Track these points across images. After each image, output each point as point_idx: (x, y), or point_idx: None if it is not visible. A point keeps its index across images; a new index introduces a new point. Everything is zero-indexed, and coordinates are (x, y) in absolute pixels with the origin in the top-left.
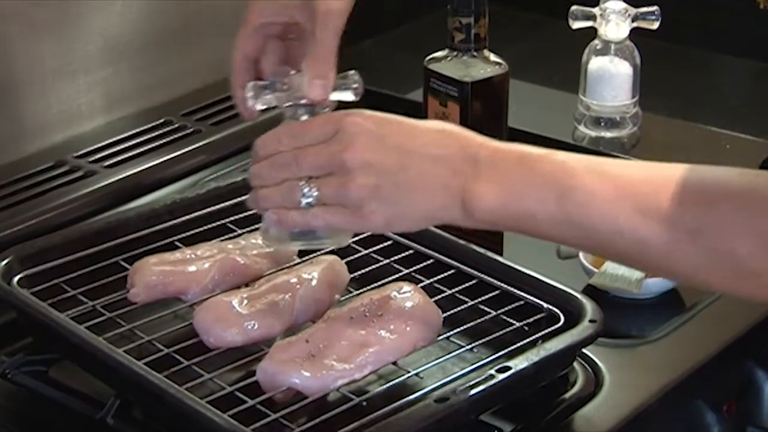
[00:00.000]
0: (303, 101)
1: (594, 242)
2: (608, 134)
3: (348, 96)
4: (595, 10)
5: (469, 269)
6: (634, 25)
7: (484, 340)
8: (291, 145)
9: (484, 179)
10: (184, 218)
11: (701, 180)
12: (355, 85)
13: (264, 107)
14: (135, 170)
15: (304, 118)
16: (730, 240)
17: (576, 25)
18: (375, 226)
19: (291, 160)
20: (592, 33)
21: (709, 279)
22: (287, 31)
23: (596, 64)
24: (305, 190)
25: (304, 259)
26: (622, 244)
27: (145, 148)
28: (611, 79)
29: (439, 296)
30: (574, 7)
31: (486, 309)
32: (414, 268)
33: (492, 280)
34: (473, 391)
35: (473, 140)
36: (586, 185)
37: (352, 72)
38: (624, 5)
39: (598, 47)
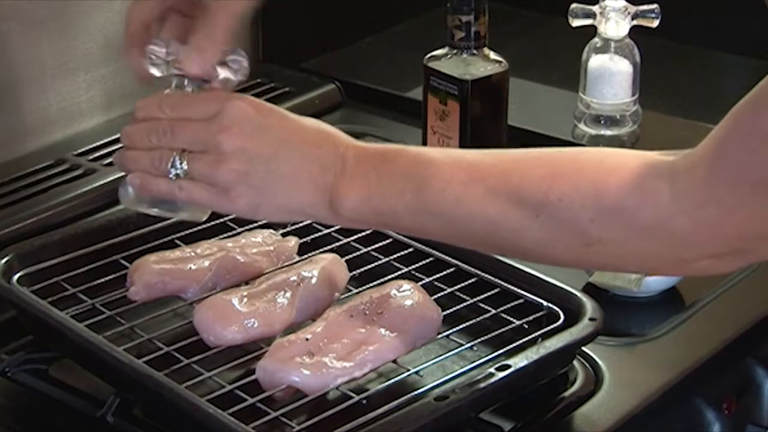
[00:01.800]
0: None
1: (451, 229)
2: (608, 132)
3: (230, 75)
4: (595, 8)
5: (468, 267)
6: (634, 23)
7: (483, 338)
8: (171, 114)
9: (348, 177)
10: None
11: (552, 158)
12: (236, 66)
13: (159, 74)
14: None
15: (189, 90)
16: (572, 210)
17: (576, 23)
18: (239, 210)
19: (167, 129)
20: (591, 31)
21: (557, 253)
22: (191, 7)
23: (596, 62)
24: (176, 161)
25: (304, 257)
26: (475, 228)
27: None
28: (611, 77)
29: (439, 294)
30: (573, 5)
31: (486, 307)
32: (414, 266)
33: (492, 278)
34: (473, 389)
35: (344, 141)
36: (442, 173)
37: (240, 52)
38: (624, 3)
39: (598, 45)
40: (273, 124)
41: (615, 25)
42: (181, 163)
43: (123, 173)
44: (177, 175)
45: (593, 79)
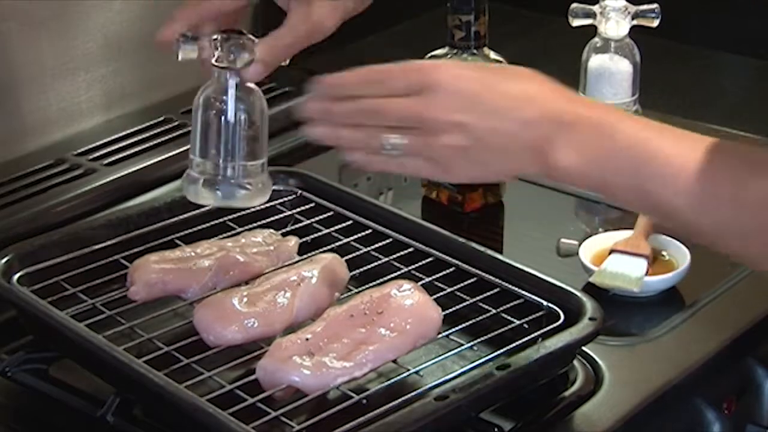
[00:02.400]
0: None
1: (665, 215)
2: None
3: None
4: (595, 8)
5: (469, 267)
6: (634, 22)
7: (484, 338)
8: (373, 92)
9: (564, 144)
10: (183, 216)
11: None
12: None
13: (189, 56)
14: (135, 168)
15: (232, 82)
16: None
17: (576, 22)
18: (456, 179)
19: (374, 109)
20: (592, 31)
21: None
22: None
23: (596, 61)
24: (391, 140)
25: (304, 257)
26: (692, 218)
27: (145, 145)
28: (611, 76)
29: (439, 294)
30: (574, 5)
31: (486, 307)
32: (414, 265)
33: (492, 277)
34: (473, 389)
35: (557, 101)
36: (661, 158)
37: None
38: (624, 3)
39: (598, 45)
40: (483, 93)
41: (615, 24)
42: (395, 141)
43: (122, 174)
44: (394, 154)
45: (593, 79)
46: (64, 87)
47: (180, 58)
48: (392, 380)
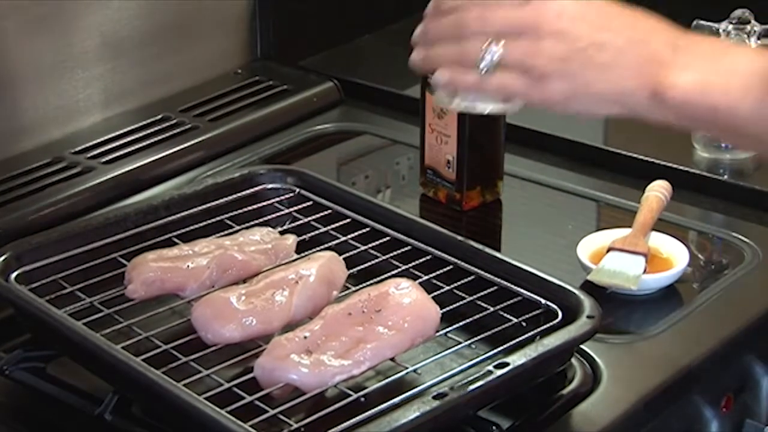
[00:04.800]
0: None
1: None
2: None
3: None
4: None
5: (467, 265)
6: None
7: (482, 336)
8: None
9: (680, 68)
10: (181, 214)
11: None
12: None
13: None
14: (133, 166)
15: None
16: None
17: None
18: (551, 99)
19: (477, 18)
20: None
21: None
22: None
23: None
24: (492, 48)
25: (302, 255)
26: None
27: (143, 144)
28: None
29: (437, 292)
30: None
31: (484, 305)
32: (412, 264)
33: (490, 276)
34: (471, 387)
35: (669, 27)
36: None
37: None
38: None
39: None
40: (592, 7)
41: None
42: (495, 50)
43: (120, 172)
44: (488, 64)
45: None
46: (62, 85)
47: None
48: (390, 378)
